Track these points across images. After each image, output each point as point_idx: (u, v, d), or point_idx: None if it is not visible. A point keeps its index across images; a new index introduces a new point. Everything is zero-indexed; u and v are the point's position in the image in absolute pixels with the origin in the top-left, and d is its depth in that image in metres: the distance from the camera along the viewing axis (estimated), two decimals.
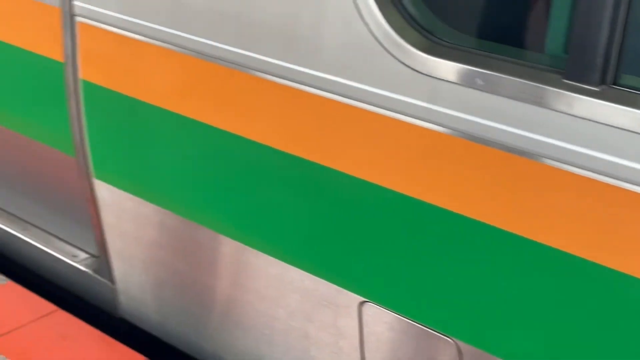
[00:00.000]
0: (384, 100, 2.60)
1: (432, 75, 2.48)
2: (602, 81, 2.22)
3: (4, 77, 3.93)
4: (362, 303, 2.89)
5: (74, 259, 4.03)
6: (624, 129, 2.17)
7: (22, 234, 4.20)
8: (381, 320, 2.86)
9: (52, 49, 3.59)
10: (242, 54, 2.93)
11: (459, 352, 2.69)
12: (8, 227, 4.26)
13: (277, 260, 3.12)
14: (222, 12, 2.94)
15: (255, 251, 3.19)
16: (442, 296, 2.66)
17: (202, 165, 3.25)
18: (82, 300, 4.09)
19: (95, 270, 3.93)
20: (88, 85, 3.48)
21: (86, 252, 4.05)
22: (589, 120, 2.22)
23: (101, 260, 3.88)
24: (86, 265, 3.97)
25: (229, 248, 3.29)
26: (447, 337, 2.70)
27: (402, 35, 2.55)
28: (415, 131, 2.55)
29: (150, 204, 3.50)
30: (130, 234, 3.65)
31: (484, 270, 2.54)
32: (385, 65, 2.57)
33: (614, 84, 2.23)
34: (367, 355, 2.96)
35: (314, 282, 3.01)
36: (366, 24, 2.59)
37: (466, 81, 2.42)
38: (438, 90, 2.48)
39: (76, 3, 3.37)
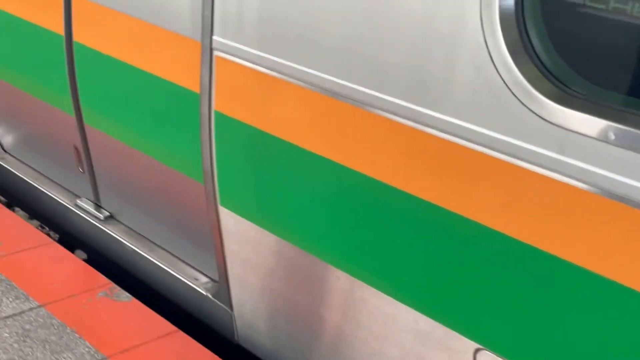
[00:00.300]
0: (511, 147, 2.61)
1: (563, 126, 2.47)
2: None
3: (142, 103, 4.12)
4: (477, 350, 2.87)
5: (195, 282, 4.17)
6: None
7: (148, 255, 4.37)
8: None
9: (189, 80, 3.75)
10: (372, 94, 2.99)
11: None
12: (136, 246, 4.44)
13: (392, 299, 3.14)
14: (354, 52, 3.01)
15: (370, 288, 3.22)
16: (566, 351, 2.62)
17: (323, 200, 3.32)
18: (201, 323, 4.21)
19: (215, 295, 4.05)
20: (221, 117, 3.62)
21: (207, 277, 4.18)
22: None
23: (221, 285, 3.99)
24: (206, 289, 4.10)
25: (345, 283, 3.33)
26: None
27: (533, 84, 2.55)
28: (543, 181, 2.54)
29: (272, 234, 3.59)
30: (251, 262, 3.75)
31: (616, 330, 2.48)
32: (515, 113, 2.58)
33: None
34: None
35: (428, 324, 3.02)
36: (497, 71, 2.60)
37: (598, 134, 2.40)
38: (568, 141, 2.47)
39: (216, 38, 3.52)
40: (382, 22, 2.89)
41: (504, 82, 2.58)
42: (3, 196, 5.74)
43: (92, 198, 4.77)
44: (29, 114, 4.96)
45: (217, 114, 3.64)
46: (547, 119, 2.51)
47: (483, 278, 2.78)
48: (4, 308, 3.97)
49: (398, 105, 2.91)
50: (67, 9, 4.31)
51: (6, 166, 5.20)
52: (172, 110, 3.95)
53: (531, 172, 2.57)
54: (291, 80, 3.26)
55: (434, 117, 2.81)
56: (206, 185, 3.83)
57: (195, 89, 3.72)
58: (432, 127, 2.81)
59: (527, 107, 2.54)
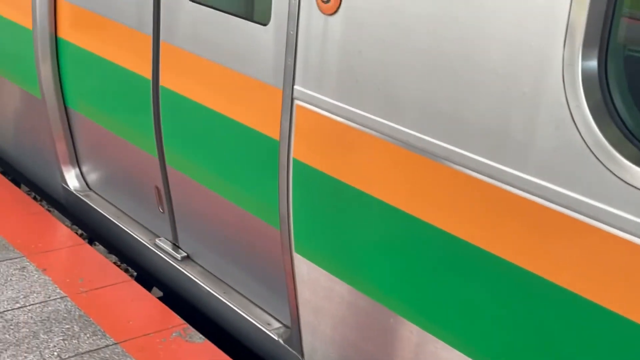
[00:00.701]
0: (591, 209, 2.57)
1: None
2: None
3: (223, 148, 4.20)
4: None
5: (267, 326, 4.19)
6: None
7: (222, 297, 4.42)
8: None
9: (269, 127, 3.81)
10: (451, 149, 2.99)
11: None
12: (211, 288, 4.50)
13: (464, 356, 3.10)
14: (434, 106, 3.02)
15: (442, 343, 3.19)
16: None
17: (397, 252, 3.31)
18: None
19: (286, 341, 4.06)
20: (299, 165, 3.66)
21: (279, 322, 4.20)
22: None
23: (293, 331, 4.01)
24: (278, 335, 4.12)
25: (417, 337, 3.31)
26: None
27: (615, 146, 2.52)
28: (623, 245, 2.49)
29: (345, 284, 3.59)
30: (323, 309, 3.76)
31: None
32: (596, 175, 2.55)
33: None
34: None
35: None
36: (579, 131, 2.58)
37: None
38: None
39: (297, 87, 3.58)
40: (463, 78, 2.90)
41: (585, 143, 2.56)
42: (85, 232, 5.90)
43: (171, 238, 4.87)
44: (114, 153, 5.10)
45: (296, 161, 3.68)
46: (629, 182, 2.47)
47: (557, 342, 2.73)
48: (82, 344, 4.06)
49: (477, 161, 2.90)
50: (155, 54, 4.44)
51: (90, 203, 5.35)
52: (251, 155, 4.01)
53: (612, 235, 2.52)
54: (369, 131, 3.29)
55: (513, 174, 2.79)
56: (282, 231, 3.87)
57: (275, 136, 3.78)
58: (511, 185, 2.80)
59: (609, 169, 2.51)
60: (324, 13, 3.38)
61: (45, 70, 5.21)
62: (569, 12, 2.56)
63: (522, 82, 2.72)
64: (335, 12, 3.33)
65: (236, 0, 4.18)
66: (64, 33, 5.10)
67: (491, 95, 2.82)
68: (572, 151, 2.60)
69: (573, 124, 2.58)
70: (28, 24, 5.20)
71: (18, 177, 6.35)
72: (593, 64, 2.55)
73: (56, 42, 5.16)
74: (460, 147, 2.95)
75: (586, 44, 2.55)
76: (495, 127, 2.83)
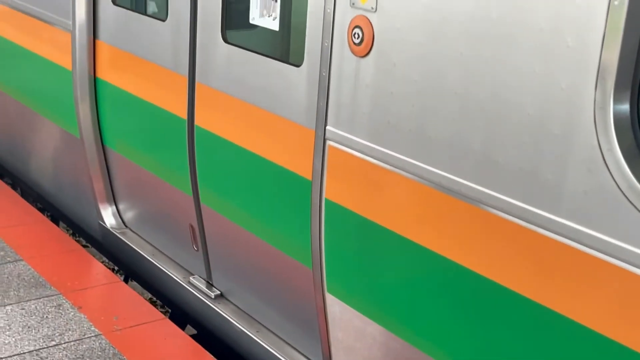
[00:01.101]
0: (624, 253, 2.54)
1: None
2: None
3: (256, 187, 4.23)
4: None
5: None
6: None
7: (255, 335, 4.43)
8: None
9: (301, 167, 3.84)
10: (482, 191, 2.98)
11: None
12: (244, 326, 4.50)
13: None
14: (466, 148, 3.02)
15: None
16: None
17: (429, 293, 3.30)
18: None
19: None
20: (331, 205, 3.67)
21: None
22: None
23: None
24: None
25: None
26: None
27: None
28: None
29: (377, 325, 3.58)
30: (355, 350, 3.74)
31: None
32: (629, 218, 2.52)
33: None
34: None
35: None
36: (611, 174, 2.56)
37: None
38: None
39: (329, 128, 3.60)
40: (495, 120, 2.90)
41: (618, 186, 2.54)
42: (121, 269, 5.95)
43: (205, 276, 4.89)
44: (150, 191, 5.16)
45: (328, 201, 3.70)
46: None
47: None
48: None
49: (508, 203, 2.89)
50: (191, 94, 4.50)
51: (126, 240, 5.40)
52: (284, 195, 4.04)
53: None
54: (401, 172, 3.30)
55: (545, 217, 2.77)
56: (314, 271, 3.88)
57: (308, 176, 3.80)
58: (544, 228, 2.78)
59: None
60: (355, 55, 3.41)
61: (84, 109, 5.30)
62: (601, 54, 2.56)
63: (554, 124, 2.71)
64: (367, 54, 3.36)
65: (270, 42, 4.23)
66: (102, 74, 5.19)
67: (522, 137, 2.82)
68: (605, 194, 2.58)
69: (605, 167, 2.57)
70: (68, 65, 5.31)
71: (57, 215, 6.44)
72: (625, 106, 2.54)
73: (94, 82, 5.25)
74: (491, 189, 2.95)
75: (618, 87, 2.54)
76: (527, 169, 2.82)
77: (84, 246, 6.23)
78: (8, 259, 5.23)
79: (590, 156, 2.61)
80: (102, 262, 5.94)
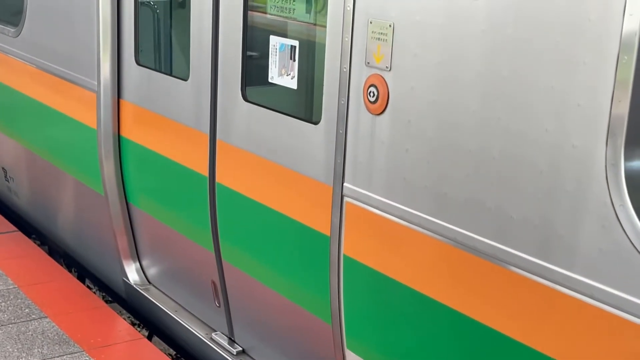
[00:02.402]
0: (638, 309, 2.53)
1: None
2: None
3: (277, 243, 4.26)
4: None
5: None
6: None
7: None
8: None
9: (320, 223, 3.87)
10: (498, 247, 2.99)
11: None
12: None
13: None
14: (481, 205, 3.04)
15: None
16: None
17: (450, 350, 3.29)
18: None
19: None
20: (350, 261, 3.69)
21: None
22: None
23: None
24: None
25: None
26: None
27: None
28: None
29: None
30: None
31: None
32: None
33: None
34: None
35: None
36: (625, 231, 2.56)
37: None
38: None
39: (346, 185, 3.64)
40: (509, 177, 2.92)
41: (631, 242, 2.54)
42: (145, 325, 5.97)
43: (227, 332, 4.90)
44: (172, 247, 5.20)
45: (346, 258, 3.71)
46: None
47: None
48: None
49: (525, 259, 2.90)
50: (212, 152, 4.57)
51: (149, 297, 5.44)
52: (303, 251, 4.06)
53: None
54: (418, 228, 3.31)
55: (560, 273, 2.77)
56: (334, 327, 3.88)
57: (326, 232, 3.82)
58: (559, 284, 2.78)
59: None
60: (371, 113, 3.46)
61: (108, 167, 5.39)
62: (610, 112, 2.58)
63: (566, 181, 2.73)
64: (383, 112, 3.41)
65: (289, 100, 4.30)
66: (126, 132, 5.29)
67: (536, 194, 2.83)
68: (619, 251, 2.58)
69: (618, 223, 2.57)
70: (92, 124, 5.42)
71: (83, 272, 6.51)
72: (636, 163, 2.55)
73: (119, 140, 5.35)
74: (507, 245, 2.95)
75: (628, 143, 2.55)
76: (541, 225, 2.82)
77: (108, 302, 6.28)
78: (33, 316, 5.28)
79: (604, 213, 2.61)
80: (126, 318, 5.98)
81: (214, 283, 4.86)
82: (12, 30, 6.32)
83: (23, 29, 6.17)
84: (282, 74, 4.08)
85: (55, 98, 5.90)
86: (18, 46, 6.26)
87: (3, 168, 7.09)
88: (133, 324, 6.03)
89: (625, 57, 2.52)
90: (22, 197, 6.94)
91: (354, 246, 3.67)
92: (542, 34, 2.76)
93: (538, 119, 2.80)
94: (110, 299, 6.41)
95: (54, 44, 5.83)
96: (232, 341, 4.88)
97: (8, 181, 7.05)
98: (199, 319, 5.16)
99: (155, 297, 5.42)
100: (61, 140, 5.99)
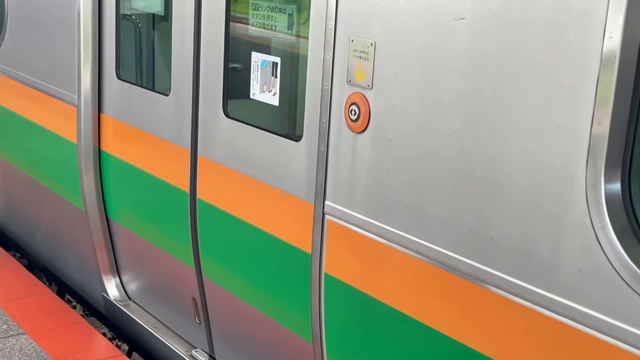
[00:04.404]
0: (618, 331, 2.52)
1: None
2: None
3: (257, 260, 4.23)
4: None
5: None
6: None
7: None
8: None
9: (301, 241, 3.85)
10: (478, 267, 2.98)
11: None
12: None
13: None
14: (461, 224, 3.03)
15: None
16: None
17: None
18: None
19: None
20: (330, 279, 3.67)
21: None
22: None
23: None
24: None
25: None
26: None
27: None
28: None
29: None
30: None
31: None
32: (623, 297, 2.51)
33: None
34: None
35: None
36: (604, 253, 2.56)
37: None
38: None
39: (328, 203, 3.62)
40: (489, 197, 2.92)
41: (611, 264, 2.53)
42: (125, 341, 5.92)
43: (207, 350, 4.86)
44: (153, 263, 5.17)
45: (327, 276, 3.69)
46: None
47: None
48: None
49: (504, 279, 2.89)
50: (193, 167, 4.54)
51: (129, 313, 5.39)
52: (284, 268, 4.04)
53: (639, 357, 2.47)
54: (399, 247, 3.30)
55: (539, 294, 2.76)
56: (314, 345, 3.85)
57: (307, 249, 3.80)
58: (538, 305, 2.77)
59: (636, 292, 2.47)
60: (353, 131, 3.45)
61: (88, 182, 5.35)
62: (590, 133, 2.58)
63: (547, 202, 2.72)
64: (364, 130, 3.40)
65: (270, 116, 4.28)
66: (107, 146, 5.25)
67: (516, 214, 2.83)
68: (599, 273, 2.58)
69: (599, 245, 2.57)
70: (73, 138, 5.38)
71: (63, 287, 6.45)
72: (616, 185, 2.55)
73: (99, 155, 5.31)
74: (487, 265, 2.94)
75: (608, 165, 2.55)
76: (522, 246, 2.82)
77: (87, 315, 6.22)
78: (11, 332, 5.22)
79: (584, 234, 2.61)
80: (106, 332, 5.93)
81: (194, 299, 4.82)
82: None
83: (3, 41, 6.13)
84: (264, 90, 4.07)
85: (35, 111, 5.86)
86: None
87: None
88: (112, 339, 5.97)
89: (605, 78, 2.52)
90: (1, 211, 6.88)
91: (335, 264, 3.65)
92: (523, 54, 2.76)
93: (519, 140, 2.80)
94: (88, 312, 6.35)
95: (34, 57, 5.79)
96: (212, 358, 4.84)
97: None
98: (179, 336, 5.12)
99: (135, 313, 5.38)
100: (41, 154, 5.94)
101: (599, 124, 2.54)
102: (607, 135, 2.53)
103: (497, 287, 2.91)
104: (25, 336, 5.18)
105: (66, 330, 5.32)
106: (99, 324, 6.15)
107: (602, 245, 2.55)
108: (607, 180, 2.55)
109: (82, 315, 5.87)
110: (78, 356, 4.99)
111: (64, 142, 5.51)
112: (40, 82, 5.71)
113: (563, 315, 2.68)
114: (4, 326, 5.29)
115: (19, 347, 5.05)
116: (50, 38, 5.56)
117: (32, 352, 4.99)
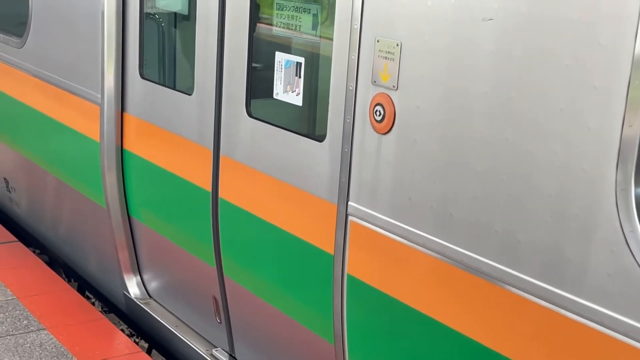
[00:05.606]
0: None
1: None
2: None
3: (279, 260, 4.23)
4: None
5: None
6: None
7: None
8: None
9: (323, 241, 3.84)
10: (503, 270, 2.96)
11: None
12: None
13: None
14: (487, 227, 3.01)
15: None
16: None
17: None
18: None
19: None
20: (353, 280, 3.66)
21: None
22: None
23: None
24: None
25: None
26: None
27: None
28: None
29: None
30: None
31: None
32: None
33: None
34: None
35: None
36: (634, 256, 2.53)
37: None
38: None
39: (351, 204, 3.61)
40: (517, 200, 2.90)
41: None
42: (144, 339, 5.93)
43: (227, 349, 4.86)
44: (174, 262, 5.17)
45: (350, 277, 3.68)
46: None
47: None
48: None
49: (531, 283, 2.86)
50: (215, 167, 4.54)
51: (149, 311, 5.40)
52: (307, 269, 4.03)
53: None
54: (423, 249, 3.28)
55: (567, 298, 2.74)
56: (336, 347, 3.84)
57: (330, 250, 3.79)
58: (566, 309, 2.74)
59: None
60: (377, 132, 3.44)
61: (111, 180, 5.36)
62: (621, 136, 2.55)
63: (576, 205, 2.70)
64: (389, 131, 3.38)
65: (294, 117, 4.28)
66: (129, 145, 5.27)
67: (544, 217, 2.80)
68: (628, 277, 2.55)
69: (628, 249, 2.54)
70: (96, 137, 5.40)
71: (83, 284, 6.47)
72: None
73: (122, 154, 5.32)
74: (513, 269, 2.92)
75: (639, 168, 2.53)
76: (549, 249, 2.79)
77: (106, 312, 6.24)
78: (31, 328, 5.25)
79: (613, 238, 2.58)
80: (123, 329, 5.95)
81: (215, 298, 4.82)
82: (16, 41, 6.31)
83: (27, 40, 6.16)
84: (287, 90, 4.06)
85: (58, 110, 5.88)
86: (22, 57, 6.25)
87: (5, 178, 7.06)
88: (130, 335, 5.99)
89: (637, 81, 2.50)
90: (23, 208, 6.91)
91: (358, 265, 3.64)
92: (552, 56, 2.74)
93: (547, 142, 2.77)
94: (107, 309, 6.37)
95: (58, 55, 5.81)
96: (232, 358, 4.84)
97: (9, 192, 7.03)
98: (199, 335, 5.12)
99: (155, 312, 5.39)
100: (64, 152, 5.97)
101: (630, 126, 2.52)
102: (637, 139, 2.51)
103: (523, 290, 2.88)
104: (45, 332, 5.20)
105: (86, 327, 5.33)
106: (117, 320, 6.17)
107: (632, 249, 2.53)
108: (638, 183, 2.52)
109: (101, 312, 5.89)
110: (97, 352, 5.01)
111: (86, 140, 5.52)
112: (64, 80, 5.73)
113: (591, 320, 2.66)
114: (25, 322, 5.32)
115: (39, 342, 5.07)
116: (74, 37, 5.58)
117: (52, 348, 5.01)
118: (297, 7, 4.06)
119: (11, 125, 6.71)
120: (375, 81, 3.42)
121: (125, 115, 5.25)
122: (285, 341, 4.36)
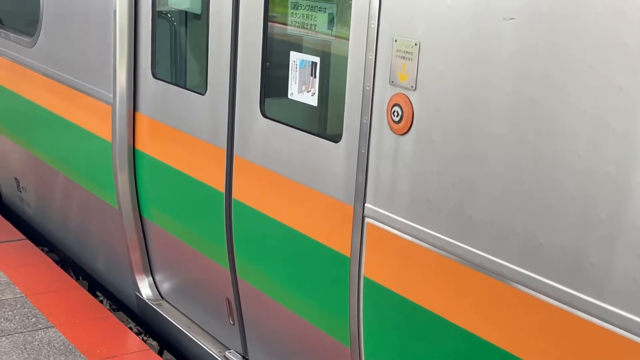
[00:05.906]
0: None
1: None
2: None
3: (294, 262, 4.19)
4: None
5: None
6: None
7: None
8: None
9: (340, 243, 3.79)
10: (525, 273, 2.91)
11: None
12: None
13: None
14: (507, 229, 2.96)
15: None
16: None
17: None
18: None
19: None
20: (370, 283, 3.61)
21: None
22: None
23: None
24: None
25: None
26: None
27: None
28: None
29: None
30: None
31: None
32: None
33: None
34: None
35: None
36: None
37: None
38: None
39: (368, 205, 3.56)
40: (539, 202, 2.85)
41: None
42: (156, 340, 5.90)
43: (241, 351, 4.83)
44: (186, 263, 5.14)
45: (367, 279, 3.64)
46: None
47: None
48: None
49: (552, 287, 2.82)
50: (229, 167, 4.51)
51: (161, 312, 5.37)
52: (322, 271, 3.98)
53: None
54: (441, 252, 3.24)
55: (590, 302, 2.69)
56: (352, 350, 3.80)
57: (346, 252, 3.75)
58: (590, 314, 2.69)
59: None
60: (395, 133, 3.39)
61: (123, 180, 5.33)
62: None
63: (599, 208, 2.65)
64: (407, 132, 3.34)
65: (309, 117, 4.23)
66: (142, 145, 5.23)
67: (567, 220, 2.75)
68: None
69: None
70: (107, 136, 5.36)
71: (94, 284, 6.44)
72: None
73: (134, 154, 5.29)
74: (535, 272, 2.87)
75: None
76: (573, 253, 2.74)
77: (113, 309, 6.22)
78: (39, 325, 5.23)
79: (638, 242, 2.53)
80: (131, 328, 5.92)
81: (228, 300, 4.79)
82: (28, 40, 6.28)
83: (38, 39, 6.13)
84: (302, 90, 4.02)
85: (69, 109, 5.85)
86: (33, 57, 6.22)
87: (15, 178, 7.04)
88: (139, 334, 5.96)
89: None
90: (33, 208, 6.89)
91: (375, 268, 3.60)
92: (576, 57, 2.69)
93: (570, 144, 2.72)
94: (115, 307, 6.35)
95: (69, 54, 5.78)
96: None
97: (20, 191, 7.01)
98: (212, 336, 5.08)
99: (167, 313, 5.35)
100: (75, 152, 5.94)
101: None
102: None
103: (545, 295, 2.84)
104: (53, 329, 5.18)
105: (94, 324, 5.31)
106: (126, 318, 6.15)
107: None
108: None
109: (109, 309, 5.86)
110: (106, 350, 4.98)
111: (98, 140, 5.49)
112: (75, 80, 5.70)
113: (616, 325, 2.61)
114: (33, 319, 5.30)
115: (47, 340, 5.05)
116: (86, 36, 5.55)
117: (60, 345, 4.99)
118: (312, 6, 4.02)
119: (22, 124, 6.69)
120: (392, 81, 3.37)
121: (137, 114, 5.22)
122: (300, 344, 4.31)
